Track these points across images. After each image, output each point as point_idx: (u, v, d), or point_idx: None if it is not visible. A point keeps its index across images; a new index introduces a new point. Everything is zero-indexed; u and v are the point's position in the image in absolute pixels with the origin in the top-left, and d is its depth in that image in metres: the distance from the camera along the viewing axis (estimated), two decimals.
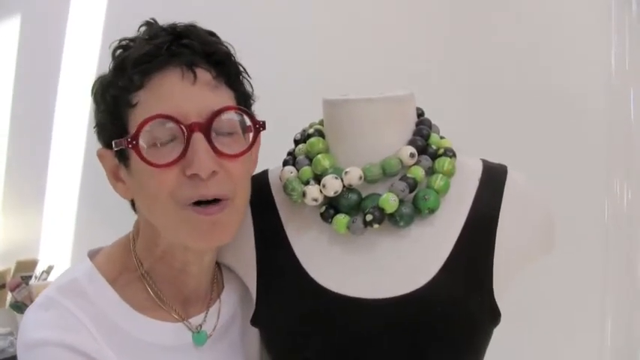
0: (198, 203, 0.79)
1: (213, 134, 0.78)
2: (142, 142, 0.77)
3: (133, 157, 0.79)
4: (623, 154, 1.37)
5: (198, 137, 0.76)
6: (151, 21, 0.85)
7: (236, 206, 0.82)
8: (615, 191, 1.38)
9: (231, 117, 0.81)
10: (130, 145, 0.78)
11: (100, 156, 0.87)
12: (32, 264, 2.66)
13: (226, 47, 0.85)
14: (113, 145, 0.81)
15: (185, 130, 0.77)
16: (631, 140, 1.37)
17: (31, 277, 2.58)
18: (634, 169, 1.36)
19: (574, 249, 1.21)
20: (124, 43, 0.83)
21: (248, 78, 0.88)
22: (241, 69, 0.87)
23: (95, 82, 0.84)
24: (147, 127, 0.77)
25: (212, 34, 0.85)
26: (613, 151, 1.38)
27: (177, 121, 0.77)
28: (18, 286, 2.45)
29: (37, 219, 3.07)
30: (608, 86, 1.38)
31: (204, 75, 0.80)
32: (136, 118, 0.79)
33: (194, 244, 0.83)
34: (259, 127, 0.84)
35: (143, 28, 0.84)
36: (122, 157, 0.82)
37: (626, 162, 1.37)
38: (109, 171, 0.87)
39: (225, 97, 0.82)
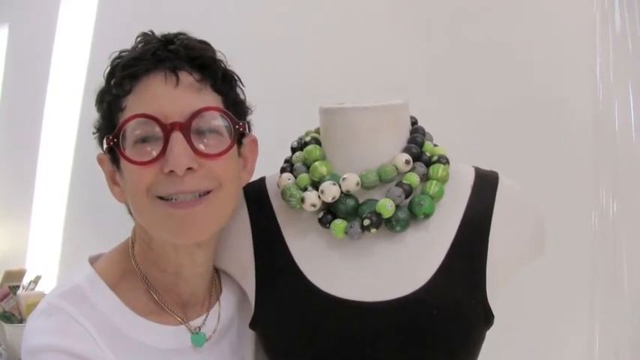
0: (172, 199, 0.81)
1: (194, 134, 0.80)
2: (124, 141, 0.81)
3: (121, 157, 0.82)
4: (609, 165, 1.39)
5: (176, 136, 0.79)
6: (147, 32, 0.87)
7: (219, 199, 0.83)
8: (602, 202, 1.40)
9: (213, 117, 0.83)
10: (111, 143, 0.81)
11: (99, 160, 0.90)
12: (20, 274, 2.64)
13: (213, 53, 0.87)
14: (104, 145, 0.84)
15: (165, 129, 0.79)
16: (616, 151, 1.39)
17: (18, 287, 2.57)
18: (620, 179, 1.38)
19: (562, 258, 1.23)
20: (122, 54, 0.86)
21: (241, 85, 0.90)
22: (234, 76, 0.89)
23: (98, 91, 0.87)
24: (128, 127, 0.80)
25: (202, 42, 0.88)
26: (599, 163, 1.40)
27: (156, 121, 0.79)
28: (6, 296, 2.44)
29: (24, 229, 3.06)
30: (593, 98, 1.40)
31: (187, 78, 0.82)
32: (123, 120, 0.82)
33: (171, 239, 0.84)
34: (239, 127, 0.85)
35: (139, 39, 0.87)
36: (114, 159, 0.85)
37: (613, 173, 1.39)
38: (107, 175, 0.89)
39: (209, 99, 0.84)
